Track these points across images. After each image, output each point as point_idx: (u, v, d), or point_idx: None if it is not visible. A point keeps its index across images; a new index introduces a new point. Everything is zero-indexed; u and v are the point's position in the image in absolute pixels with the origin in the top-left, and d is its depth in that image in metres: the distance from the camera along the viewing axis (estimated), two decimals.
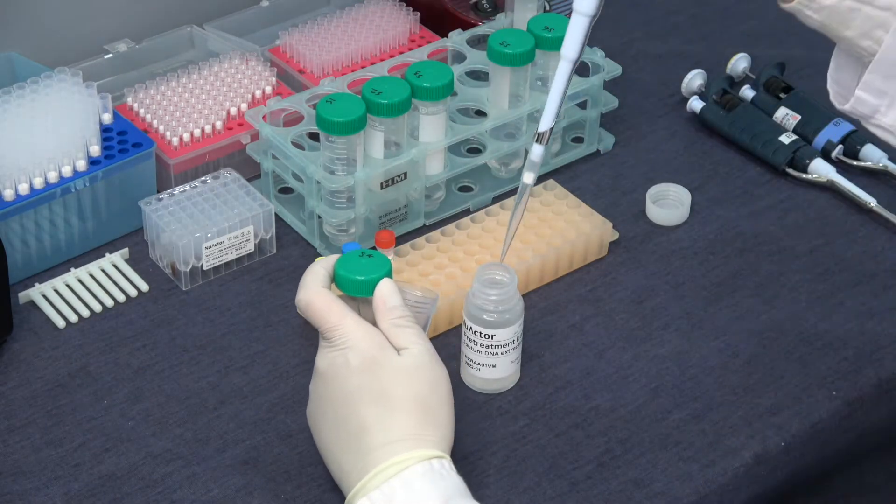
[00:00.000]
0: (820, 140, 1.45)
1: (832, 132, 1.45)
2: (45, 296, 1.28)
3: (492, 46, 1.35)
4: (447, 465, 1.02)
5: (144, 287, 1.30)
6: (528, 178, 1.14)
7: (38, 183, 1.27)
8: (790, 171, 1.44)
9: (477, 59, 1.42)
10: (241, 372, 1.23)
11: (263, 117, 1.33)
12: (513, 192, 1.39)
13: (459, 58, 1.43)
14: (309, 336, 1.26)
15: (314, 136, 1.33)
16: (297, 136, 1.33)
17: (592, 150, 1.46)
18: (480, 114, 1.39)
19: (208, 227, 1.29)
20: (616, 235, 1.35)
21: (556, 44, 1.36)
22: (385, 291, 1.08)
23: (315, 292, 1.07)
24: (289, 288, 1.30)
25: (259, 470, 1.14)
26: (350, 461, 1.03)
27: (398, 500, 0.99)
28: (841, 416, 1.22)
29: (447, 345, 1.25)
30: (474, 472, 1.15)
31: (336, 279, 1.09)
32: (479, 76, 1.43)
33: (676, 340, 1.27)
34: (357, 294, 1.09)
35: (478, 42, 1.45)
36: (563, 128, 1.44)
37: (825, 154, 1.45)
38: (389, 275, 1.09)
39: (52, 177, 1.27)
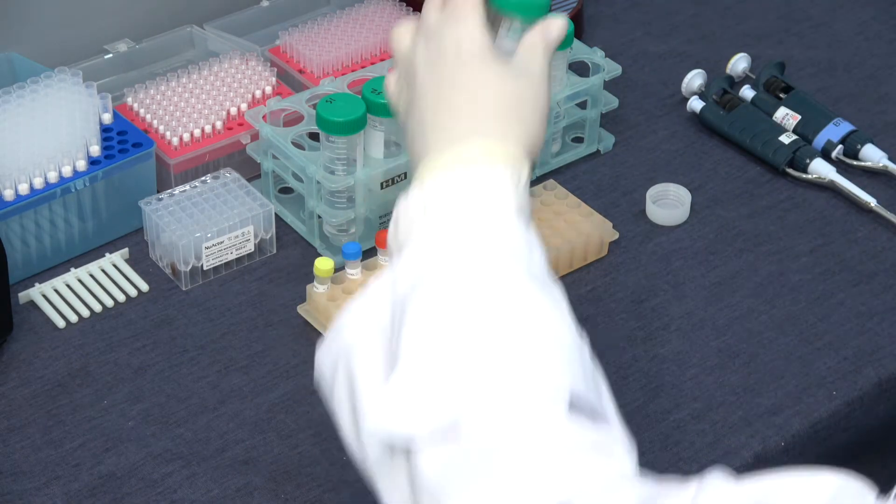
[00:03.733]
0: (820, 140, 1.45)
1: (832, 132, 1.45)
2: (45, 296, 1.28)
3: None
4: (527, 186, 0.95)
5: (144, 287, 1.30)
6: None
7: (38, 183, 1.27)
8: (790, 171, 1.44)
9: None
10: (241, 372, 1.23)
11: (263, 117, 1.33)
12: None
13: None
14: (309, 336, 1.26)
15: (314, 136, 1.33)
16: (297, 136, 1.33)
17: (592, 150, 1.46)
18: None
19: (208, 227, 1.29)
20: (616, 235, 1.35)
21: None
22: (556, 26, 1.00)
23: None
24: (289, 288, 1.30)
25: (259, 470, 1.14)
26: (433, 138, 0.96)
27: (473, 184, 0.92)
28: (841, 416, 1.22)
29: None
30: None
31: None
32: None
33: (676, 340, 1.27)
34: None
35: None
36: (564, 128, 1.44)
37: (825, 154, 1.45)
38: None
39: (52, 177, 1.27)
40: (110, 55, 1.46)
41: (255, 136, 1.37)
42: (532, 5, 1.00)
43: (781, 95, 1.50)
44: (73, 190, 1.29)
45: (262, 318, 1.28)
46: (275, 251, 1.34)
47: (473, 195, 0.92)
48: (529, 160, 0.96)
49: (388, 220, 1.33)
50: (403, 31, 1.02)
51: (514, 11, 1.00)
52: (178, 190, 1.32)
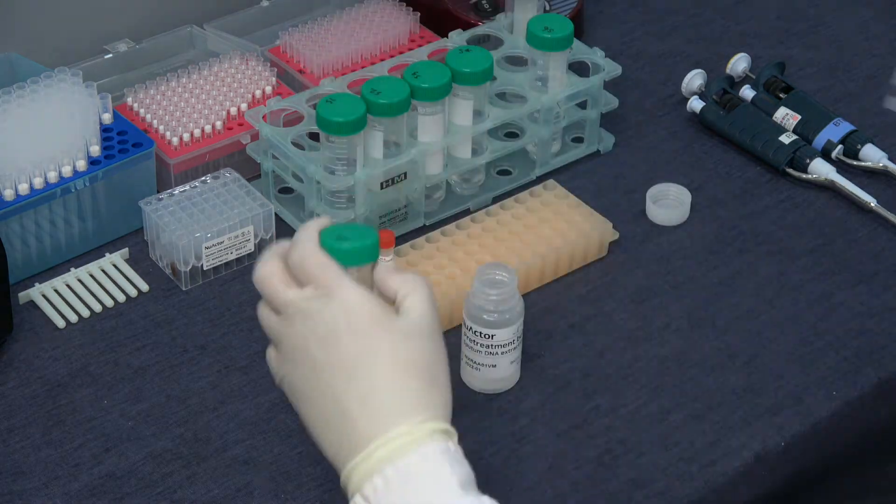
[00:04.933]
0: (820, 140, 1.45)
1: (832, 132, 1.45)
2: (45, 296, 1.28)
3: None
4: (460, 451, 0.99)
5: (144, 287, 1.30)
6: None
7: (38, 183, 1.27)
8: (790, 171, 1.44)
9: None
10: (241, 372, 1.23)
11: (263, 117, 1.33)
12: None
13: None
14: None
15: (314, 136, 1.33)
16: (297, 136, 1.33)
17: (592, 150, 1.46)
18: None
19: (208, 227, 1.29)
20: (616, 235, 1.35)
21: (555, 44, 1.36)
22: (419, 284, 1.02)
23: (312, 249, 1.00)
24: None
25: (259, 470, 1.14)
26: (355, 429, 0.97)
27: (413, 480, 0.95)
28: (841, 416, 1.22)
29: (447, 345, 1.25)
30: (474, 472, 1.15)
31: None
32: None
33: (676, 340, 1.27)
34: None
35: (478, 42, 1.45)
36: (564, 128, 1.44)
37: (825, 154, 1.45)
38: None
39: (52, 177, 1.27)
40: (110, 55, 1.46)
41: (255, 136, 1.37)
42: (355, 255, 1.01)
43: (781, 95, 1.50)
44: (73, 190, 1.29)
45: None
46: None
47: (414, 494, 0.94)
48: (449, 421, 0.99)
49: (388, 220, 1.34)
50: (265, 312, 1.01)
51: (343, 263, 1.00)
52: (178, 190, 1.32)
